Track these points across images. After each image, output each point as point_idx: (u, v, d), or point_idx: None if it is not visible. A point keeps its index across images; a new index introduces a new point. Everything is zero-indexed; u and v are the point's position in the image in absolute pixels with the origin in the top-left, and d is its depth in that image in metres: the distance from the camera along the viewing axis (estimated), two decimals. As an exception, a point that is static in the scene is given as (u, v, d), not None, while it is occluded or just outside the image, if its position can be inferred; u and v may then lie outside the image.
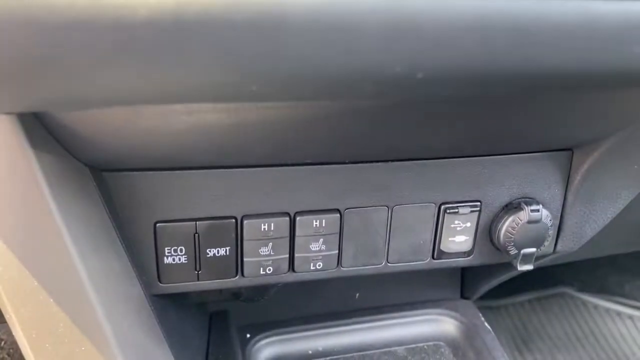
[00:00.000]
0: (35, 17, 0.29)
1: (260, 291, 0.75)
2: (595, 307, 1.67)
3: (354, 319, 0.81)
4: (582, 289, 1.70)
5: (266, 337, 0.78)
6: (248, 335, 0.78)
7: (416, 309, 0.84)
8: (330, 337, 0.80)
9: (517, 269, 0.62)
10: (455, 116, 0.50)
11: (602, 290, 1.69)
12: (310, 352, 0.79)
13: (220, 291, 0.72)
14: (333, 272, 0.60)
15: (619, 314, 1.66)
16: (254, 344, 0.77)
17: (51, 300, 0.47)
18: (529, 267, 0.62)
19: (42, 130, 0.43)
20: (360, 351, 0.79)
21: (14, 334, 0.51)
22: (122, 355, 0.49)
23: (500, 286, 1.29)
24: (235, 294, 0.74)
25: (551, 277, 1.69)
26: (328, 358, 0.78)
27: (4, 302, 0.47)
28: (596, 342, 1.62)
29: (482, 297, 1.03)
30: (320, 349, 0.79)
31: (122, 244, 0.52)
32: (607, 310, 1.67)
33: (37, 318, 0.47)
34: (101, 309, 0.48)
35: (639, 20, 0.34)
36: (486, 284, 0.84)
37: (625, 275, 1.69)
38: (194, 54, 0.29)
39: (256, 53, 0.29)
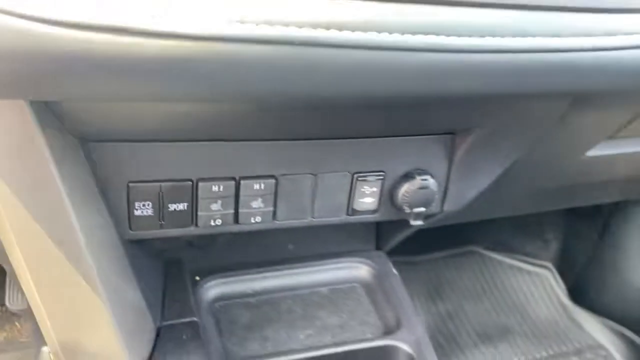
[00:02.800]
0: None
1: (209, 240, 0.91)
2: (500, 263, 1.90)
3: (287, 265, 0.98)
4: (489, 248, 1.92)
5: (213, 279, 0.94)
6: (197, 278, 0.94)
7: (338, 257, 1.01)
8: (266, 280, 0.96)
9: (410, 224, 0.80)
10: (356, 116, 0.67)
11: (507, 249, 1.92)
12: (249, 291, 0.95)
13: (177, 239, 0.87)
14: (269, 225, 0.76)
15: (520, 269, 1.89)
16: (203, 285, 0.93)
17: (49, 240, 0.61)
18: (419, 222, 0.80)
19: (48, 111, 0.56)
20: (291, 291, 0.96)
21: (17, 270, 0.65)
22: (101, 286, 0.64)
23: (418, 244, 1.49)
24: (189, 242, 0.89)
25: (463, 237, 1.90)
26: (264, 296, 0.95)
27: (12, 243, 0.60)
28: (499, 293, 1.85)
29: (401, 253, 1.21)
30: (258, 289, 0.95)
31: (102, 199, 0.67)
32: (511, 266, 1.89)
33: (38, 255, 0.61)
34: (87, 249, 0.62)
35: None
36: (395, 238, 1.03)
37: (527, 237, 1.92)
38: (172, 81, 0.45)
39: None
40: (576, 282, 1.85)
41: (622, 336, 1.72)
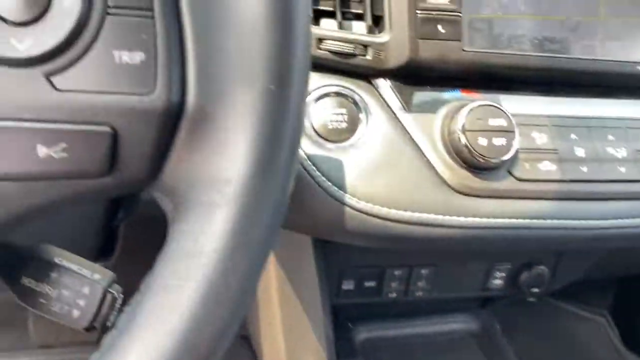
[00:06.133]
0: None
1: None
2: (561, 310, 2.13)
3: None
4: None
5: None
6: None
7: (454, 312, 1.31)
8: (407, 328, 1.26)
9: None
10: None
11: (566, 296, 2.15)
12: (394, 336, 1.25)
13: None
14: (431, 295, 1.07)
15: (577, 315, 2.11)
16: (354, 328, 1.23)
17: None
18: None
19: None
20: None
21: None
22: None
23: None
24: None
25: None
26: (404, 341, 1.25)
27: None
28: (560, 340, 2.06)
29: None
30: (398, 335, 1.26)
31: None
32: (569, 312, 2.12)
33: None
34: None
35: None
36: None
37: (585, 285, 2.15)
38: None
39: None
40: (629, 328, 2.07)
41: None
